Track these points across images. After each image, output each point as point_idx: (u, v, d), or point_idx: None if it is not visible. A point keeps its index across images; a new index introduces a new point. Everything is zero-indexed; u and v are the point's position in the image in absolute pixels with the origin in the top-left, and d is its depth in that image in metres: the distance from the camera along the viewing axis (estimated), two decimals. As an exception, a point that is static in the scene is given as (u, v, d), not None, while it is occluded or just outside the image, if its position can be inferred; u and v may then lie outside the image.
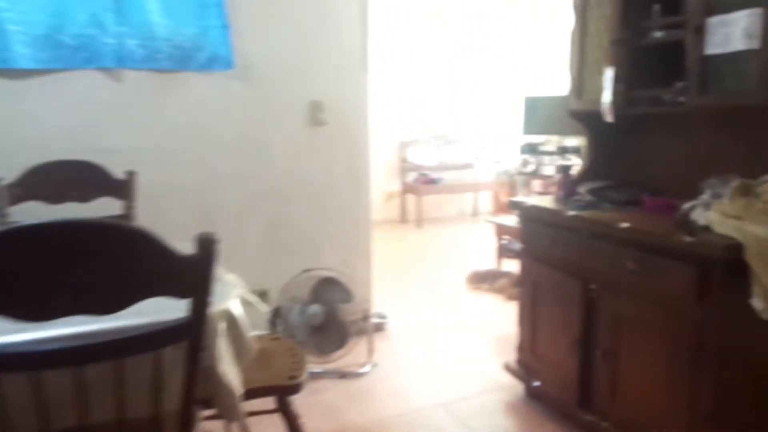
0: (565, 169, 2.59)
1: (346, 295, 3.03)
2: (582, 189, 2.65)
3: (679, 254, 1.87)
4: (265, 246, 3.15)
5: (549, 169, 7.52)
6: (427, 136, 7.07)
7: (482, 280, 4.43)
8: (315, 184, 3.23)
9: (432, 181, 6.71)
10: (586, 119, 2.74)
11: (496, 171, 7.02)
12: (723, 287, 1.79)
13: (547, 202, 2.61)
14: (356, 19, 3.20)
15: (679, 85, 2.29)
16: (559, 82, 8.04)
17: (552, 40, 7.70)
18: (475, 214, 7.44)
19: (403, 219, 6.97)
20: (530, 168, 7.56)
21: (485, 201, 7.53)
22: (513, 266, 4.74)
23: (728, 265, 1.76)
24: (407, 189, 6.82)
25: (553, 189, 7.31)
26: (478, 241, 5.98)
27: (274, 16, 2.99)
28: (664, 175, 2.53)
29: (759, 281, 1.75)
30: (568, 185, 2.60)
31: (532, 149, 7.68)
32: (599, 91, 2.51)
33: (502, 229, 4.45)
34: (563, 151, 7.46)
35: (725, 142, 2.27)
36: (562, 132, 7.75)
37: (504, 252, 4.70)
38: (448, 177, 7.17)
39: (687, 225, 2.03)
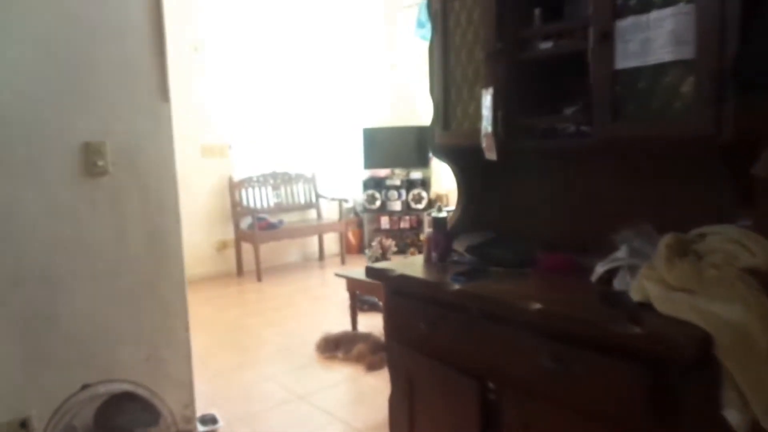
0: (438, 224, 1.98)
1: (149, 414, 2.13)
2: (458, 246, 2.06)
3: (620, 349, 1.31)
4: (21, 356, 2.13)
5: (396, 204, 7.10)
6: (260, 174, 6.25)
7: (335, 346, 3.71)
8: (98, 257, 2.29)
9: (270, 226, 5.90)
10: (455, 156, 2.17)
11: (342, 209, 6.41)
12: (685, 395, 1.25)
13: (418, 268, 1.97)
14: (146, 31, 2.36)
15: (569, 111, 1.79)
16: (402, 110, 7.74)
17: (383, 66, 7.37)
18: (321, 258, 6.73)
19: (239, 271, 6.05)
20: (377, 204, 7.08)
21: (332, 242, 6.88)
22: (371, 323, 4.10)
23: (692, 364, 1.23)
24: (242, 236, 5.93)
25: (404, 224, 6.90)
26: (328, 291, 5.28)
27: (13, 35, 2.05)
28: (557, 225, 2.02)
29: (733, 385, 1.23)
30: (443, 244, 1.98)
31: (376, 184, 7.22)
32: (471, 119, 1.95)
33: (354, 284, 3.78)
34: (410, 185, 7.10)
35: (635, 184, 1.81)
36: (406, 164, 7.42)
37: (359, 307, 4.04)
38: (289, 219, 6.41)
39: (612, 299, 1.50)
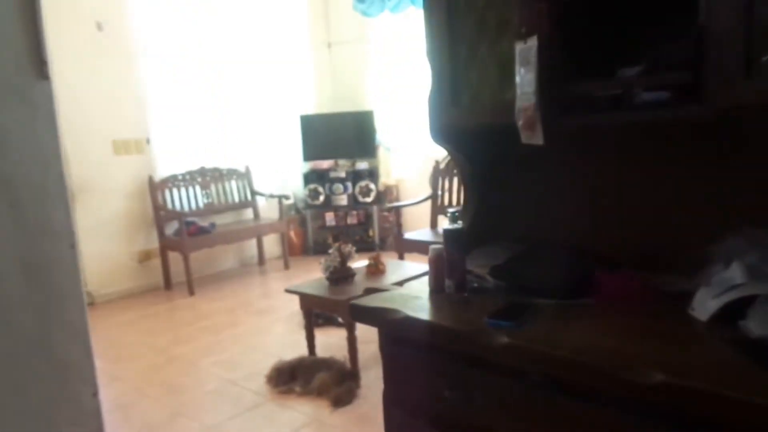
0: (454, 239, 1.39)
1: None
2: (475, 266, 1.48)
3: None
4: None
5: (342, 199, 6.47)
6: (186, 172, 5.46)
7: (291, 377, 3.07)
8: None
9: (201, 231, 5.14)
10: (464, 142, 1.58)
11: (282, 207, 5.72)
12: None
13: (425, 303, 1.38)
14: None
15: (632, 72, 1.24)
16: (343, 94, 7.08)
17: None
18: (261, 262, 6.02)
19: (167, 284, 5.25)
20: (320, 199, 6.42)
21: (272, 244, 6.17)
22: (330, 342, 3.49)
23: None
24: (168, 245, 5.13)
25: (352, 220, 6.28)
26: (274, 303, 4.60)
27: None
28: (611, 232, 1.48)
29: None
30: (460, 268, 1.40)
31: (319, 177, 6.55)
32: (493, 89, 1.37)
33: (310, 301, 3.14)
34: (356, 176, 6.47)
35: (739, 173, 1.28)
36: (351, 154, 6.78)
37: (315, 322, 3.41)
38: (222, 221, 5.65)
39: (763, 355, 0.96)
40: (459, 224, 1.41)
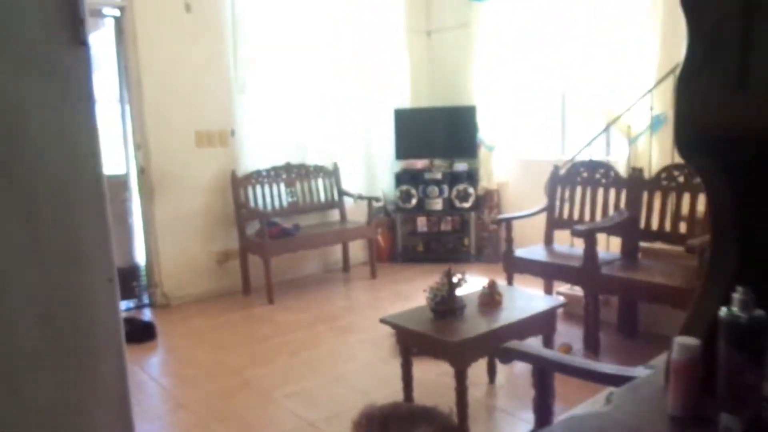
0: (743, 336, 0.75)
1: None
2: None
3: None
4: None
5: (437, 203, 5.86)
6: (271, 167, 5.03)
7: (382, 429, 2.50)
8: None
9: (284, 233, 4.69)
10: (738, 148, 0.92)
11: (371, 210, 5.19)
12: None
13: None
14: None
15: None
16: (442, 87, 6.44)
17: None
18: (346, 268, 5.52)
19: (246, 289, 4.86)
20: (413, 202, 5.85)
21: (358, 248, 5.67)
22: (427, 379, 2.89)
23: None
24: (249, 246, 4.73)
25: (445, 226, 5.65)
26: (358, 320, 4.07)
27: None
28: None
29: None
30: (751, 390, 0.75)
31: (412, 178, 5.98)
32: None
33: (408, 337, 2.55)
34: (453, 179, 5.84)
35: None
36: (448, 154, 6.15)
37: (410, 351, 2.82)
38: (306, 222, 5.19)
39: None
40: (756, 312, 0.76)
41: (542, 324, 2.61)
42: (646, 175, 3.55)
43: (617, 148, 4.72)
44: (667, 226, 3.33)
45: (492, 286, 2.69)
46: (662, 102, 4.07)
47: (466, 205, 5.56)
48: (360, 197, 5.33)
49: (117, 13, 4.29)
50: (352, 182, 5.59)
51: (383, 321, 2.58)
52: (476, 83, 5.56)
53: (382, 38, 5.67)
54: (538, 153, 5.48)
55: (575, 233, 3.20)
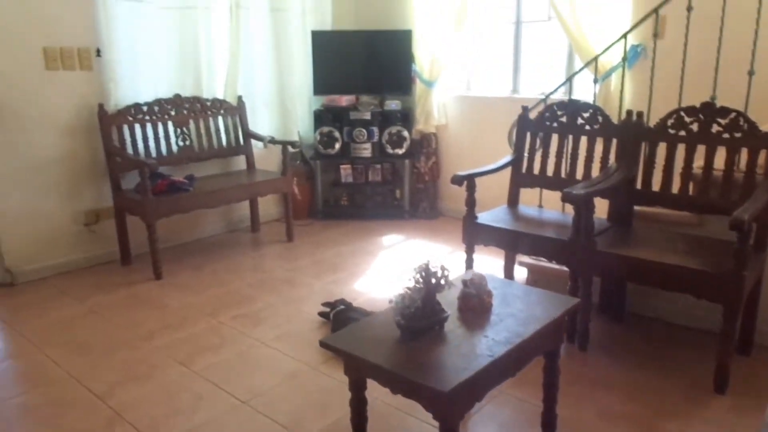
0: None
1: None
2: None
3: None
4: None
5: (365, 148, 4.91)
6: (154, 99, 3.86)
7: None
8: None
9: (174, 188, 3.60)
10: None
11: (286, 157, 4.18)
12: None
13: None
14: None
15: None
16: (370, 5, 5.25)
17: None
18: (255, 228, 4.52)
19: (124, 258, 3.76)
20: (336, 147, 4.87)
21: (269, 202, 4.67)
22: (388, 406, 2.07)
23: None
24: (125, 205, 3.61)
25: (375, 176, 4.65)
26: (274, 301, 3.15)
27: None
28: None
29: None
30: None
31: (335, 117, 4.97)
32: None
33: (370, 371, 1.69)
34: (384, 119, 4.89)
35: None
36: (378, 89, 5.14)
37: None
38: (204, 172, 4.12)
39: None
40: None
41: (550, 338, 1.84)
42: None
43: (580, 85, 4.00)
44: (674, 187, 2.63)
45: (478, 282, 1.86)
46: (640, 30, 3.32)
47: (400, 151, 4.68)
48: (272, 141, 4.29)
49: None
50: (261, 122, 4.53)
51: (324, 345, 1.68)
52: (412, 4, 4.58)
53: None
54: (482, 89, 4.66)
55: (568, 198, 2.42)
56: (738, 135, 2.45)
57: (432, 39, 4.49)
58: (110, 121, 3.60)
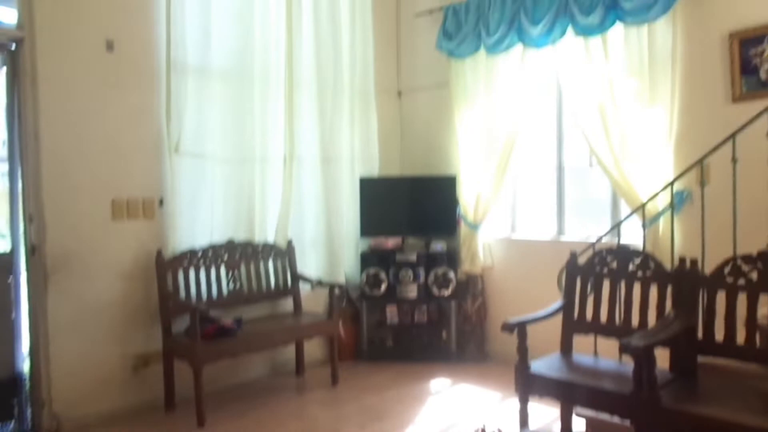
0: None
1: None
2: None
3: None
4: None
5: (411, 289, 4.92)
6: (208, 245, 4.02)
7: None
8: None
9: (222, 332, 3.64)
10: None
11: (334, 299, 4.21)
12: None
13: None
14: None
15: None
16: (415, 154, 5.58)
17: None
18: (299, 371, 4.44)
19: (169, 405, 3.72)
20: (382, 288, 4.90)
21: (314, 344, 4.63)
22: None
23: None
24: (175, 349, 3.64)
25: (420, 317, 4.56)
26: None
27: None
28: None
29: None
30: None
31: (381, 259, 5.06)
32: None
33: None
34: (430, 261, 4.94)
35: None
36: (424, 231, 5.26)
37: None
38: (252, 314, 4.16)
39: None
40: None
41: None
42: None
43: (628, 229, 3.99)
44: (740, 338, 2.51)
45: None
46: (685, 177, 3.37)
47: (446, 292, 4.66)
48: (319, 283, 4.35)
49: (11, 46, 3.33)
50: (310, 264, 4.63)
51: None
52: (457, 151, 4.80)
53: (346, 96, 4.86)
54: (527, 232, 4.70)
55: (628, 349, 2.33)
56: (802, 284, 2.36)
57: (476, 183, 4.65)
58: (166, 267, 3.75)
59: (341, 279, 4.72)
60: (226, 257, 4.06)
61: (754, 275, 2.51)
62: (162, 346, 3.71)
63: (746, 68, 3.41)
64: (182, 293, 3.80)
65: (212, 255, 3.99)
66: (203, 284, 3.91)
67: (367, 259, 4.76)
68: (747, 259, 2.54)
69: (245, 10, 4.16)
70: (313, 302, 4.51)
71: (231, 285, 4.07)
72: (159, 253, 3.72)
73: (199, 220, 4.01)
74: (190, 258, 3.88)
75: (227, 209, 4.17)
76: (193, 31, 3.89)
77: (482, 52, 4.53)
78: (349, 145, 4.83)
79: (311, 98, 4.60)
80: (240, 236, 4.19)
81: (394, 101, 5.36)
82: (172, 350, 3.66)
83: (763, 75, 3.36)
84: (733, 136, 2.79)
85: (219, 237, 4.09)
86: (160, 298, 3.71)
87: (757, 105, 3.01)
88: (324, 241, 4.73)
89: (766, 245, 2.60)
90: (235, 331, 3.69)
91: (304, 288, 4.45)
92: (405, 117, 5.36)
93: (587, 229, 4.27)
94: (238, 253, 4.12)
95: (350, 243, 4.88)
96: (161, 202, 3.83)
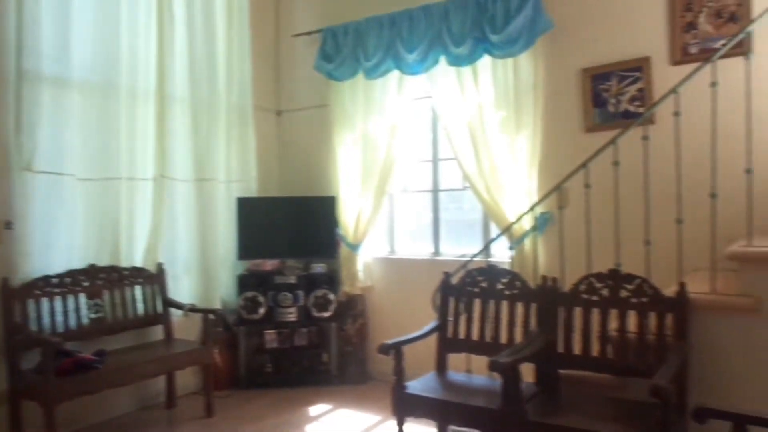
0: None
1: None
2: None
3: None
4: None
5: (290, 313, 4.82)
6: (65, 271, 3.68)
7: None
8: None
9: (80, 366, 3.32)
10: None
11: (208, 326, 4.03)
12: None
13: None
14: None
15: None
16: (294, 174, 5.52)
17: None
18: (171, 403, 4.17)
19: (15, 451, 3.33)
20: (260, 312, 4.75)
21: (187, 374, 4.37)
22: None
23: None
24: (24, 389, 3.27)
25: (300, 341, 4.52)
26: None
27: None
28: None
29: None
30: None
31: (259, 282, 4.92)
32: None
33: None
34: (311, 282, 4.88)
35: None
36: (303, 252, 5.21)
37: None
38: (116, 344, 3.85)
39: None
40: None
41: None
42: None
43: (497, 248, 4.20)
44: (594, 351, 2.71)
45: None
46: (547, 200, 3.61)
47: (326, 314, 4.63)
48: (192, 309, 4.14)
49: None
50: (183, 289, 4.39)
51: None
52: (336, 171, 4.81)
53: (232, 116, 4.71)
54: (407, 251, 4.80)
55: (495, 367, 2.42)
56: (645, 300, 2.60)
57: (356, 203, 4.68)
58: (14, 296, 3.38)
59: (217, 304, 4.52)
60: (86, 284, 3.74)
61: (606, 292, 2.73)
62: (8, 385, 3.32)
63: (597, 101, 3.76)
64: (33, 325, 3.43)
65: (70, 281, 3.66)
66: (59, 315, 3.57)
67: (244, 282, 4.61)
68: (599, 276, 2.76)
69: (111, 18, 3.91)
70: (187, 330, 4.27)
71: (93, 314, 3.75)
72: (5, 281, 3.34)
73: (56, 244, 3.66)
74: (44, 285, 3.52)
75: (89, 232, 3.85)
76: (49, 38, 3.57)
77: (361, 75, 4.60)
78: (226, 165, 4.68)
79: (185, 115, 4.40)
80: (104, 260, 3.88)
81: (273, 120, 5.29)
82: (19, 390, 3.29)
83: (611, 108, 3.72)
84: (584, 164, 3.03)
85: (79, 262, 3.76)
86: (6, 331, 3.32)
87: (606, 135, 3.29)
88: (198, 264, 4.52)
89: (614, 264, 2.84)
90: (97, 364, 3.39)
91: (176, 315, 4.20)
92: (284, 136, 5.30)
93: (462, 248, 4.44)
94: (100, 279, 3.82)
95: (226, 266, 4.70)
96: (9, 224, 3.45)
